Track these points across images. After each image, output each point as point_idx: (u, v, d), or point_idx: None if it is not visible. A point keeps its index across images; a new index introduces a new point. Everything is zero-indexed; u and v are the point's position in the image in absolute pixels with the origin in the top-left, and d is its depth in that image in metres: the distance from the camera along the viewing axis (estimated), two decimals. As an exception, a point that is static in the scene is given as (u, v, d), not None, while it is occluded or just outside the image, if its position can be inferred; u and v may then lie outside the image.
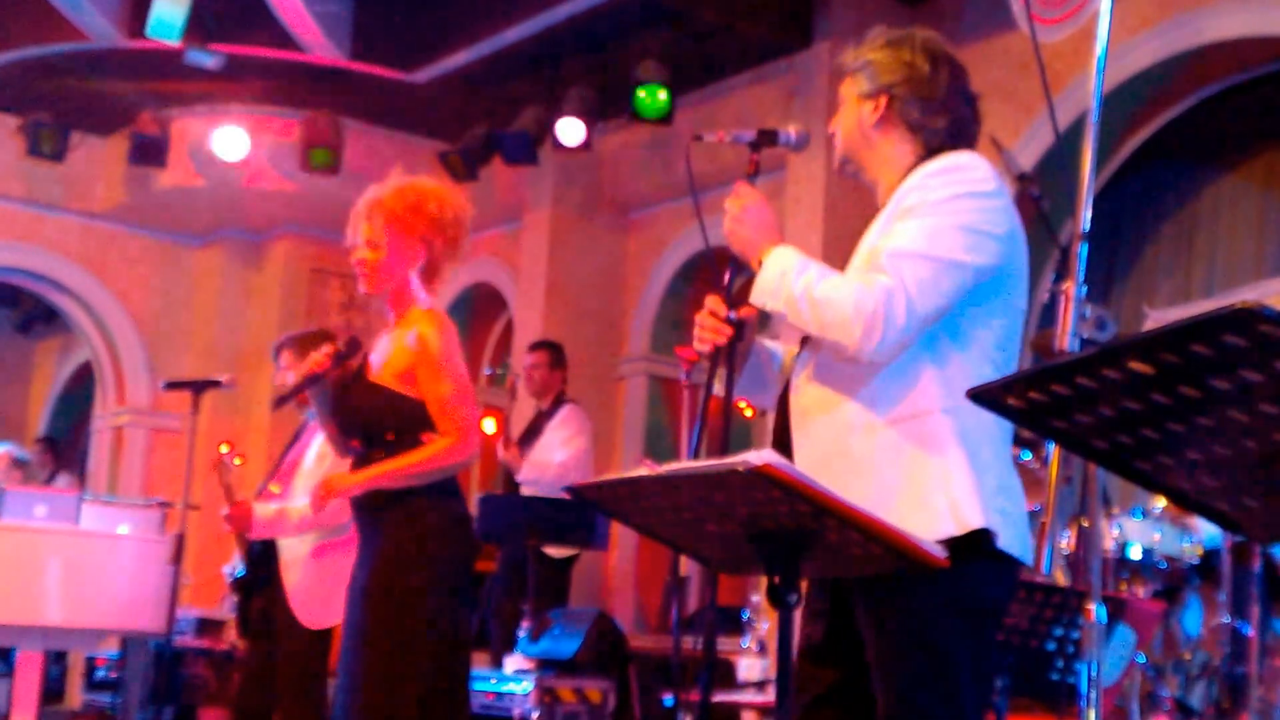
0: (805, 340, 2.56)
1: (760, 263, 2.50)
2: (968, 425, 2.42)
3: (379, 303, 3.98)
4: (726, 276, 2.61)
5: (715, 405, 2.54)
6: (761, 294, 2.48)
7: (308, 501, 4.79)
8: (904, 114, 2.61)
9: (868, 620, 2.45)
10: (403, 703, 3.56)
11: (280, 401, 3.96)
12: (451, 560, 3.71)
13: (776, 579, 2.17)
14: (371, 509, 3.72)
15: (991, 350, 2.49)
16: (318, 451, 4.87)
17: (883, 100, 2.62)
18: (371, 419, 3.73)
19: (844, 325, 2.38)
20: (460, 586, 3.74)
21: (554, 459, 6.96)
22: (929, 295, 2.39)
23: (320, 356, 3.77)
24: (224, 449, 4.89)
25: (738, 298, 2.54)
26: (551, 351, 7.37)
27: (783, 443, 2.53)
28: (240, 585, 4.99)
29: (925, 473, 2.41)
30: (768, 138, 2.68)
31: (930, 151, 2.59)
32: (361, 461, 3.75)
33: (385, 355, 3.79)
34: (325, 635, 4.87)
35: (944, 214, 2.43)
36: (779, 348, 2.72)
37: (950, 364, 2.45)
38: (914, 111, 2.61)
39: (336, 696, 3.76)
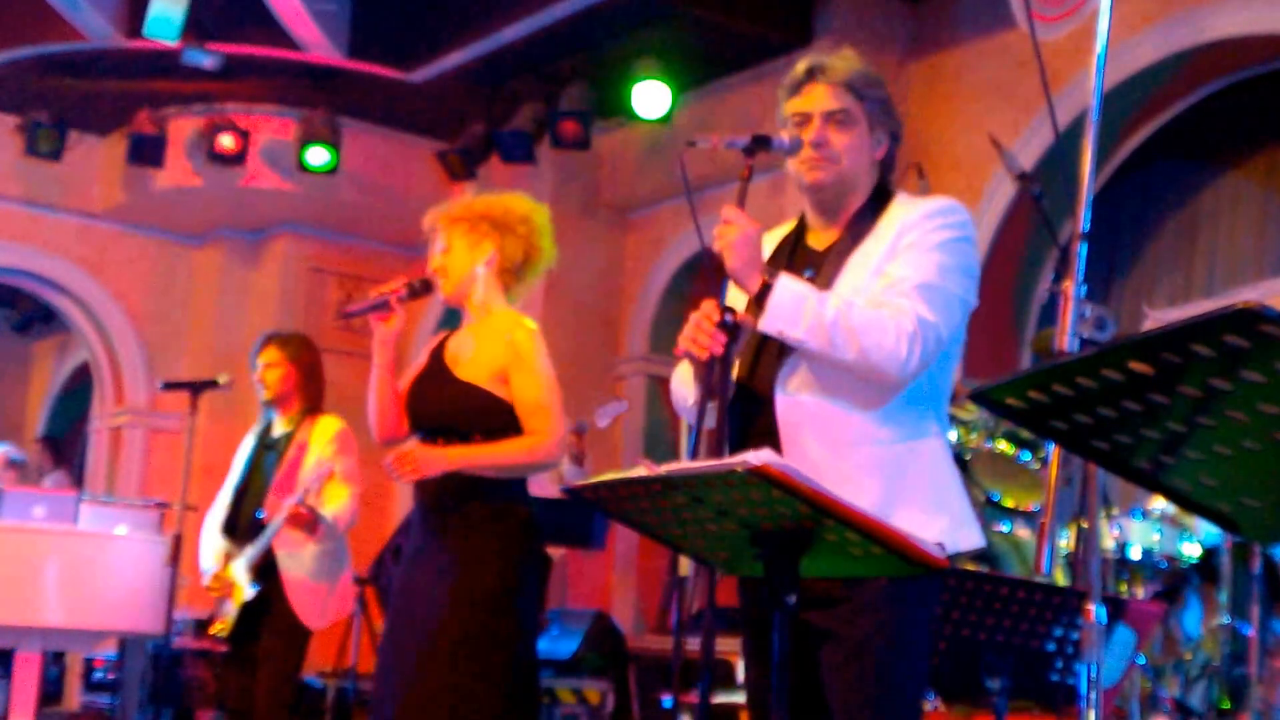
0: (785, 350, 2.56)
1: (762, 287, 2.49)
2: (948, 447, 2.66)
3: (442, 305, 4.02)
4: (722, 281, 2.60)
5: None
6: (776, 320, 2.48)
7: (336, 508, 4.83)
8: (891, 154, 2.77)
9: (836, 632, 2.53)
10: (485, 703, 3.57)
11: (345, 315, 4.01)
12: (532, 562, 3.74)
13: (775, 579, 2.16)
14: (451, 503, 3.70)
15: (953, 378, 2.71)
16: (317, 456, 4.88)
17: (887, 141, 2.75)
18: (462, 417, 3.74)
19: (888, 349, 2.48)
20: (535, 588, 3.77)
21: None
22: (949, 326, 2.56)
23: (394, 284, 3.80)
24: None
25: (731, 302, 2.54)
26: None
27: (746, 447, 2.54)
28: (250, 600, 4.94)
29: (926, 490, 2.56)
30: (762, 143, 2.67)
31: (881, 183, 2.75)
32: None
33: (470, 354, 3.79)
34: (306, 637, 4.89)
35: (951, 255, 2.59)
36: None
37: (938, 391, 2.65)
38: (894, 154, 2.78)
39: (382, 696, 3.72)
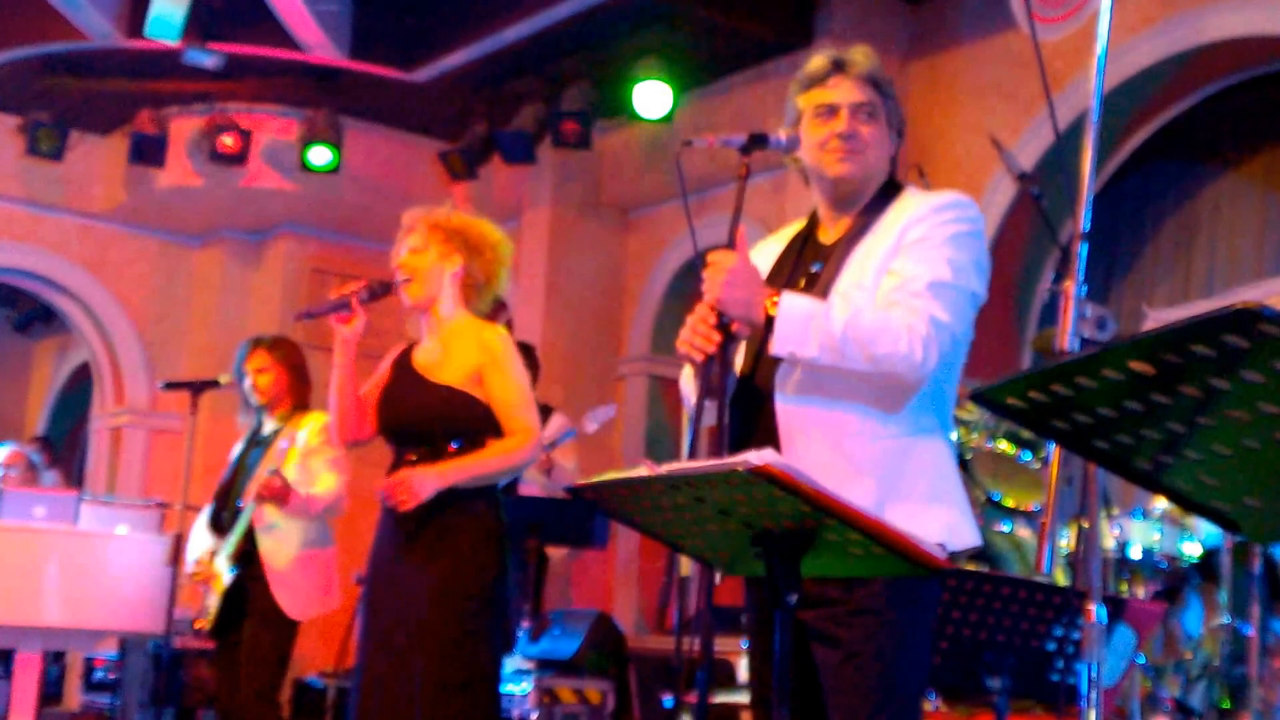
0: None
1: (768, 316, 2.47)
2: (950, 446, 2.64)
3: (399, 309, 4.00)
4: None
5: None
6: (786, 343, 2.45)
7: (319, 490, 4.87)
8: (897, 150, 2.78)
9: (833, 633, 2.52)
10: (469, 700, 3.65)
11: (305, 316, 4.03)
12: (507, 562, 3.81)
13: (776, 579, 2.16)
14: (434, 506, 3.71)
15: (960, 375, 2.68)
16: (303, 445, 4.95)
17: (896, 138, 2.77)
18: (441, 420, 3.77)
19: (901, 355, 2.46)
20: (508, 582, 3.84)
21: (568, 465, 6.95)
22: (961, 322, 2.55)
23: (354, 286, 3.81)
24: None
25: None
26: (523, 353, 7.28)
27: (747, 444, 2.54)
28: (230, 588, 4.97)
29: (922, 487, 2.54)
30: (758, 141, 2.67)
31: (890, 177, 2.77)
32: (422, 463, 3.76)
33: (442, 359, 3.84)
34: (291, 627, 4.93)
35: (962, 250, 2.58)
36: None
37: (941, 387, 2.61)
38: (899, 150, 2.80)
39: (361, 690, 3.76)
